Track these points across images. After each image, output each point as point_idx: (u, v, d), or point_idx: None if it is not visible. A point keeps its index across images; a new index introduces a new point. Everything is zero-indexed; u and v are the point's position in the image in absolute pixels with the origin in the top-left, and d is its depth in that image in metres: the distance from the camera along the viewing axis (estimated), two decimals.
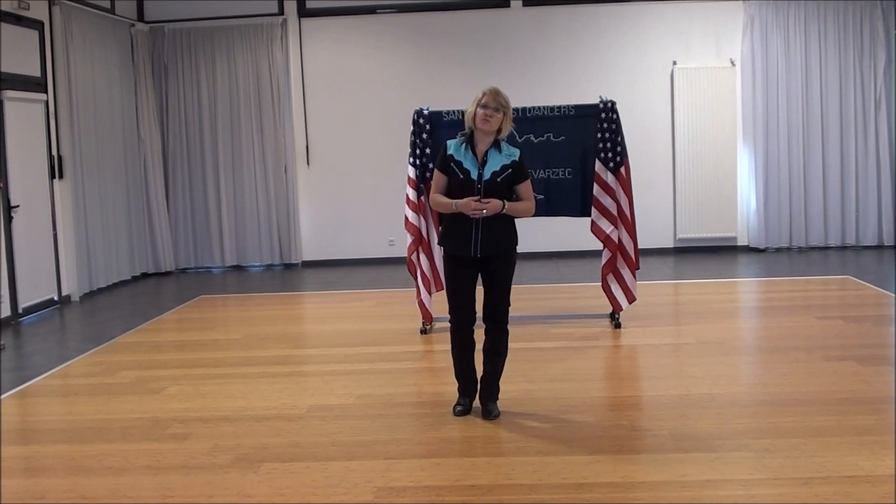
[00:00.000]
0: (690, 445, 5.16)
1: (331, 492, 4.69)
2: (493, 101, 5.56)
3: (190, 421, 6.01)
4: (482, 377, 5.90)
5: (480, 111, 5.57)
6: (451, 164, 5.67)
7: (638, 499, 4.46)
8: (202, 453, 5.36)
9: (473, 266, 5.71)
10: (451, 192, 5.68)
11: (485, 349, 5.85)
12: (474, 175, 5.60)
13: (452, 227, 5.70)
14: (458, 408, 5.89)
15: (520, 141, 8.18)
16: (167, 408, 6.35)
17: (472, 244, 5.60)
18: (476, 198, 5.52)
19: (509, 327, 5.85)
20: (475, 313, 5.78)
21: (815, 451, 4.97)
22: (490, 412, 5.78)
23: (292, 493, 4.69)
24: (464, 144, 5.69)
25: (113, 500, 4.73)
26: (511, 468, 4.92)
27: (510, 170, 5.63)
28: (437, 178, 5.77)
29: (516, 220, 5.79)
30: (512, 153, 5.70)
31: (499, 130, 5.64)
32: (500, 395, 5.90)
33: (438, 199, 5.72)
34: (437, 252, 8.11)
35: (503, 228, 5.66)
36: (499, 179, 5.60)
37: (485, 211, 5.49)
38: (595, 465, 4.91)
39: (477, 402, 5.92)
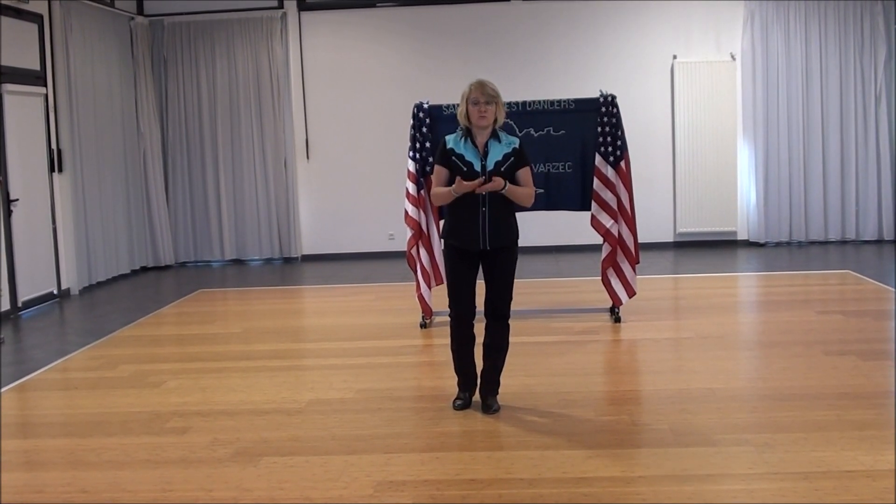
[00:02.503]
0: (690, 440, 5.15)
1: (330, 486, 4.69)
2: (483, 94, 5.50)
3: (189, 415, 6.01)
4: (482, 372, 5.88)
5: (473, 108, 5.52)
6: (453, 158, 5.63)
7: (638, 493, 4.45)
8: (201, 447, 5.36)
9: (476, 260, 5.70)
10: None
11: (485, 344, 5.82)
12: (477, 167, 5.57)
13: (458, 222, 5.67)
14: (458, 402, 5.87)
15: (520, 135, 8.17)
16: (166, 402, 6.35)
17: (480, 238, 5.58)
18: (480, 179, 5.48)
19: (510, 322, 5.84)
20: (475, 307, 5.76)
21: (815, 445, 4.97)
22: (490, 407, 5.77)
23: (292, 487, 4.69)
24: (463, 138, 5.65)
25: (112, 493, 4.73)
26: (511, 462, 4.92)
27: (512, 158, 5.60)
28: (438, 173, 5.74)
29: (517, 214, 5.78)
30: (511, 141, 5.67)
31: (494, 121, 5.60)
32: (500, 390, 5.89)
33: (438, 191, 5.70)
34: (437, 246, 8.11)
35: (507, 221, 5.66)
36: (502, 169, 5.57)
37: (484, 184, 5.46)
38: (595, 459, 4.91)
39: (477, 397, 5.91)
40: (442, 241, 5.89)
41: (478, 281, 5.76)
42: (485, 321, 5.81)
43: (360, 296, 10.38)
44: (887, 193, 12.71)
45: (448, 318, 5.88)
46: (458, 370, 5.94)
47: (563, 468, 4.79)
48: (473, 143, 5.62)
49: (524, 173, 5.67)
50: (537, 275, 11.06)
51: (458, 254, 5.69)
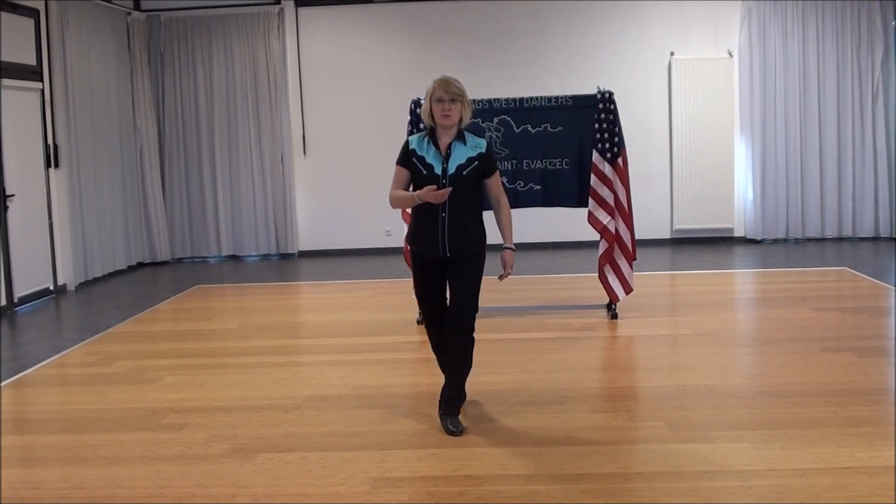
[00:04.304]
0: (687, 436, 5.15)
1: (327, 482, 4.68)
2: (447, 92, 5.21)
3: (186, 411, 6.00)
4: (443, 388, 5.52)
5: (436, 106, 5.23)
6: (414, 160, 5.32)
7: (635, 490, 4.45)
8: (198, 443, 5.36)
9: (440, 266, 5.40)
10: (416, 189, 5.28)
11: (447, 359, 5.51)
12: (438, 170, 5.25)
13: (419, 227, 5.38)
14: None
15: (517, 131, 8.19)
16: (163, 398, 6.34)
17: (440, 245, 5.28)
18: (447, 190, 5.12)
19: (475, 335, 5.48)
20: (446, 309, 5.50)
21: (811, 442, 4.97)
22: (452, 431, 5.33)
23: (288, 484, 4.69)
24: (426, 138, 5.35)
25: (108, 490, 4.72)
26: (507, 459, 4.91)
27: (476, 162, 5.28)
28: (397, 175, 5.41)
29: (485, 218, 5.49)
30: (478, 144, 5.34)
31: (460, 120, 5.30)
32: (496, 386, 5.85)
33: (396, 195, 5.38)
34: None
35: (472, 228, 5.34)
36: (465, 173, 5.24)
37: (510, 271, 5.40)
38: (592, 455, 4.91)
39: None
40: (407, 245, 5.51)
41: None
42: (446, 332, 5.46)
43: (357, 292, 10.38)
44: (884, 190, 12.73)
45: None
46: (441, 366, 5.71)
47: (559, 465, 4.79)
48: (436, 144, 5.32)
49: (495, 181, 5.41)
50: (534, 271, 11.05)
51: (424, 261, 5.43)
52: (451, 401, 5.47)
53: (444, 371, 5.61)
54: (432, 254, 5.33)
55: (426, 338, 7.80)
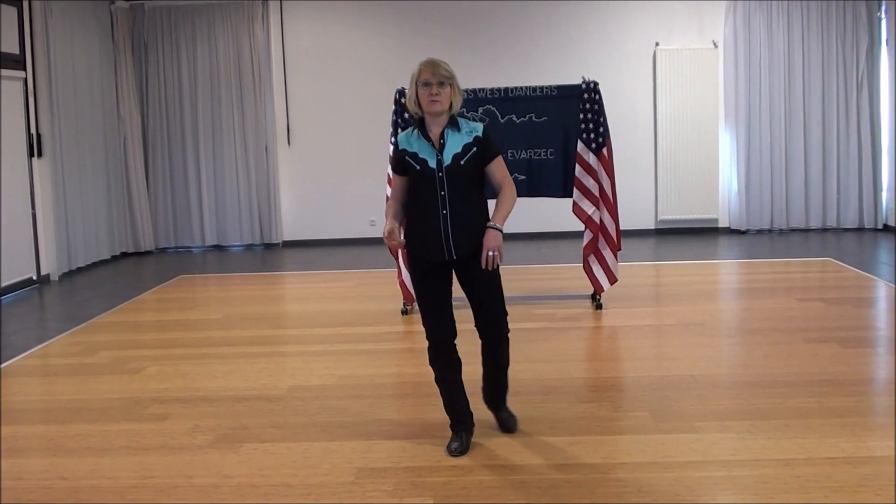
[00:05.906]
0: (672, 426, 5.15)
1: (311, 472, 4.67)
2: (434, 75, 4.59)
3: (169, 401, 5.98)
4: (484, 388, 5.12)
5: (423, 91, 4.62)
6: (407, 158, 4.70)
7: (619, 479, 4.45)
8: (182, 434, 5.33)
9: (446, 271, 4.78)
10: (412, 187, 4.75)
11: (485, 357, 4.97)
12: (433, 163, 4.63)
13: (418, 228, 4.75)
14: (455, 446, 4.86)
15: (502, 121, 8.17)
16: (146, 388, 6.31)
17: (445, 246, 4.66)
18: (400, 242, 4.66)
19: (510, 334, 4.98)
20: (455, 326, 4.84)
21: (796, 432, 4.98)
22: (507, 421, 5.14)
23: (272, 474, 4.67)
24: (415, 132, 4.74)
25: (92, 480, 4.69)
26: (492, 449, 4.90)
27: (474, 148, 4.66)
28: (393, 182, 4.90)
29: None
30: (474, 128, 4.71)
31: (450, 105, 4.69)
32: (477, 377, 5.77)
33: (387, 214, 4.86)
34: None
35: (478, 223, 4.66)
36: (462, 162, 4.64)
37: (496, 256, 4.56)
38: (576, 446, 4.90)
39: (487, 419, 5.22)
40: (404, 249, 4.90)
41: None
42: (480, 340, 4.94)
43: (341, 282, 10.35)
44: (868, 181, 12.78)
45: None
46: (447, 405, 4.97)
47: (544, 455, 4.78)
48: (426, 135, 4.71)
49: (497, 166, 4.73)
50: (519, 261, 11.05)
51: (423, 265, 4.78)
52: (496, 398, 5.15)
53: (449, 400, 4.96)
54: (436, 257, 4.71)
55: (411, 328, 7.86)
